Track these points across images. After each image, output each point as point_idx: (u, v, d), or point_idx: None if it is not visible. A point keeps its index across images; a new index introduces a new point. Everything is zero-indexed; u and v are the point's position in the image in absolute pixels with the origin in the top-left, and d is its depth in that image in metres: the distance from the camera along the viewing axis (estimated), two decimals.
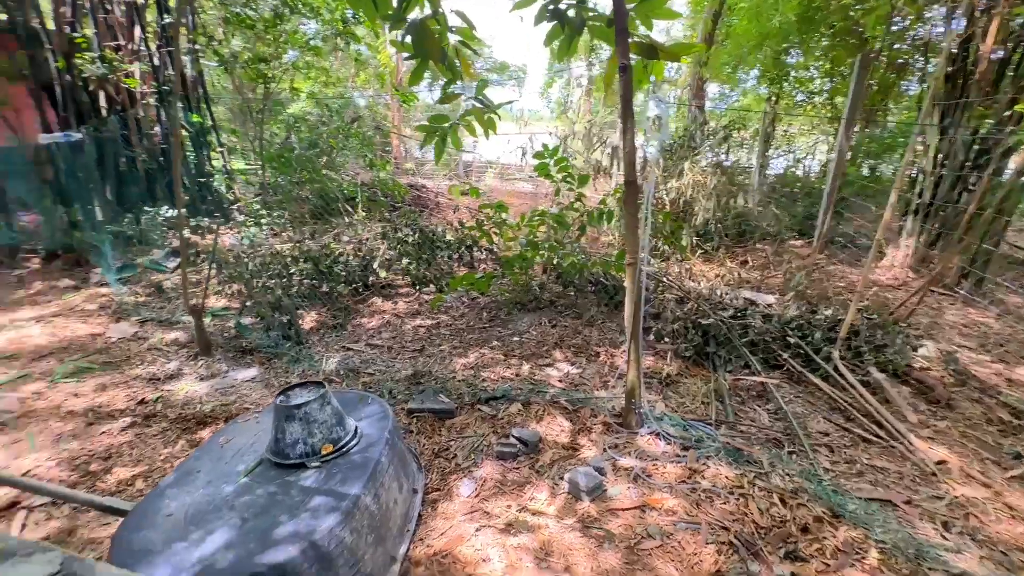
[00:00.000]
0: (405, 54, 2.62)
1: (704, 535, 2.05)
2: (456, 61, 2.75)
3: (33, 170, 6.16)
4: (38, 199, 6.23)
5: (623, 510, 2.20)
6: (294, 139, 9.68)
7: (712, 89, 14.29)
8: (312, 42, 8.84)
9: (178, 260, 5.56)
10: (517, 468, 2.49)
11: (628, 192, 2.47)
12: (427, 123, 2.92)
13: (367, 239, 6.22)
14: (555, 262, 4.69)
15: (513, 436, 2.66)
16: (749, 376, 3.39)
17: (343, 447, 2.06)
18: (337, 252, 5.52)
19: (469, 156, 17.81)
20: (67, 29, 6.73)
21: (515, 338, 4.11)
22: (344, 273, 5.16)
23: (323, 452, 2.01)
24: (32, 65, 6.50)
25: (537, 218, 4.55)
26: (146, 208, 7.01)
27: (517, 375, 3.47)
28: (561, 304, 4.76)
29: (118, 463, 2.57)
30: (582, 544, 2.01)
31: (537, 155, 4.33)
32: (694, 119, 8.80)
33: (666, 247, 5.86)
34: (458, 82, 2.86)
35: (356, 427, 2.20)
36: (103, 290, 5.31)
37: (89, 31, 6.94)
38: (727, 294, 4.48)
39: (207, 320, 4.24)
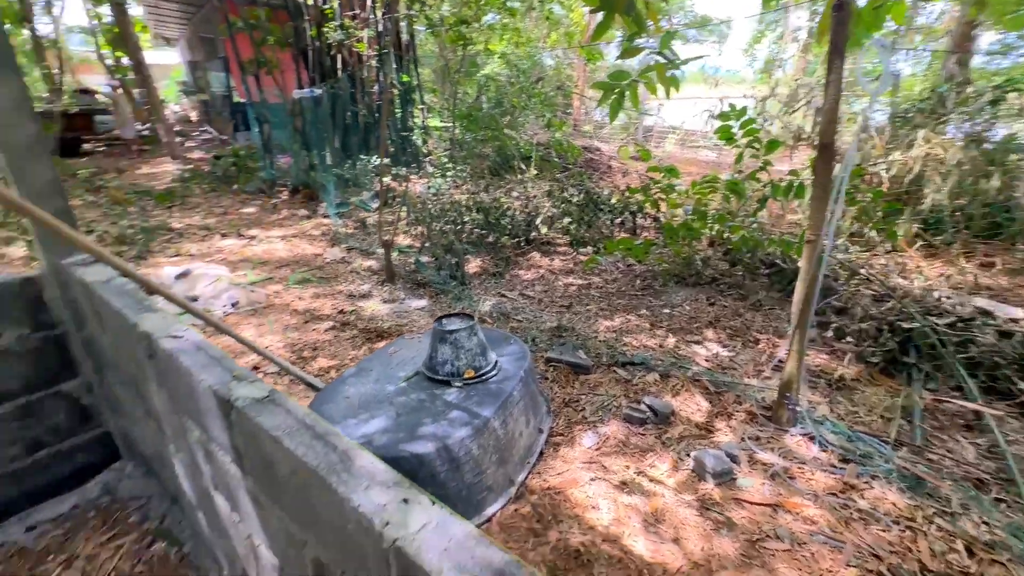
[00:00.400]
0: (592, 7, 2.58)
1: (847, 555, 1.80)
2: (644, 14, 2.61)
3: (290, 121, 7.76)
4: (291, 144, 7.86)
5: (751, 503, 2.04)
6: (483, 98, 10.34)
7: (986, 39, 10.87)
8: (508, 3, 9.18)
9: (379, 202, 6.54)
10: (643, 434, 2.47)
11: (821, 156, 2.13)
12: (605, 80, 2.86)
13: (534, 196, 6.46)
14: (724, 236, 4.29)
15: (645, 403, 2.63)
16: (959, 400, 2.73)
17: (483, 375, 2.29)
18: (506, 206, 5.87)
19: (651, 120, 16.90)
20: (319, 2, 8.14)
21: (666, 310, 3.95)
22: (510, 226, 5.49)
23: (465, 376, 2.27)
24: (295, 34, 8.07)
25: (707, 185, 4.17)
26: (361, 156, 8.32)
27: (660, 346, 3.36)
28: (725, 283, 4.38)
29: (321, 354, 3.25)
30: (697, 522, 1.94)
31: (721, 116, 3.93)
32: (949, 77, 6.92)
33: (873, 233, 4.87)
34: (644, 37, 2.72)
35: (497, 361, 2.42)
36: (325, 221, 6.56)
37: (335, 3, 8.29)
38: (949, 299, 3.60)
39: (395, 254, 4.95)
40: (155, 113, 10.96)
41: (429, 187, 7.52)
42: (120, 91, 11.81)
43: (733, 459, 2.24)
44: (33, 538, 1.81)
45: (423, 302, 4.15)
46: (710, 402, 2.73)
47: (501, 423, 2.08)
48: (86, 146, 11.83)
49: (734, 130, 3.98)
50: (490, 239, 5.42)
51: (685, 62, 2.77)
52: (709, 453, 2.22)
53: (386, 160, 5.98)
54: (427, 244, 5.19)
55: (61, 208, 1.70)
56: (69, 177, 8.21)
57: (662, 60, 2.74)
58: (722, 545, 1.85)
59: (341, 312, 3.88)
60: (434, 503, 0.73)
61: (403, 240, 5.79)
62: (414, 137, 9.51)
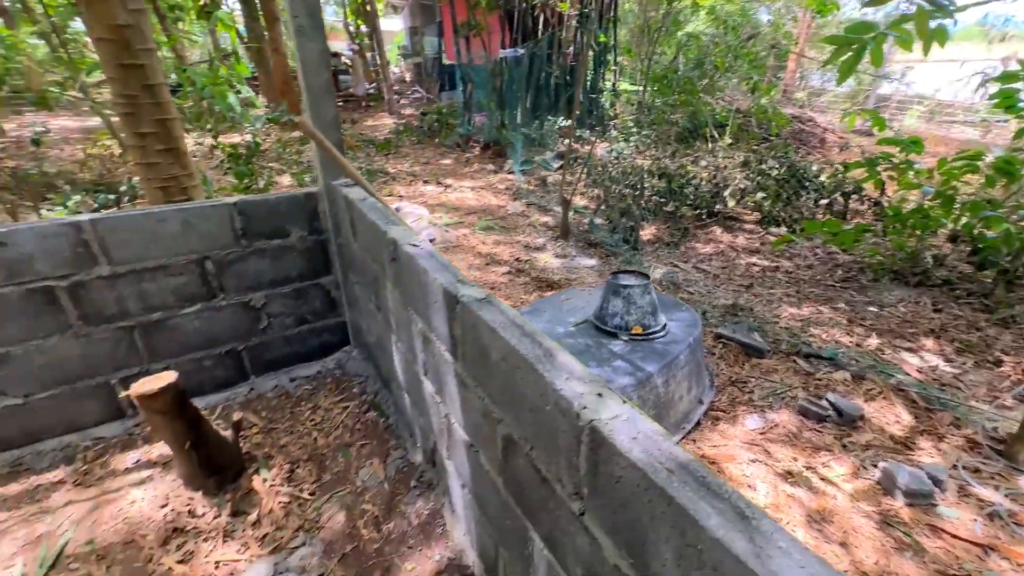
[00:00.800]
0: None
1: None
2: None
3: (490, 81, 8.32)
4: (487, 103, 8.45)
5: (953, 536, 1.75)
6: (680, 60, 9.67)
7: None
8: None
9: (561, 162, 6.72)
10: (819, 431, 2.25)
11: None
12: (840, 34, 2.47)
13: (725, 167, 5.96)
14: (975, 230, 3.45)
15: (828, 400, 2.37)
16: None
17: (650, 334, 2.31)
18: (691, 175, 5.55)
19: (889, 88, 13.94)
20: None
21: (872, 308, 3.40)
22: (692, 196, 5.20)
23: (633, 331, 2.32)
24: None
25: (966, 163, 3.34)
26: (549, 117, 8.56)
27: (858, 346, 2.94)
28: (963, 288, 3.56)
29: (497, 294, 3.60)
30: (873, 535, 1.74)
31: (1004, 77, 3.08)
32: None
33: None
34: None
35: (665, 324, 2.41)
36: (510, 176, 7.01)
37: None
38: None
39: (571, 213, 5.11)
40: (382, 74, 12.70)
41: (611, 150, 7.45)
42: (357, 54, 13.94)
43: (936, 483, 1.92)
44: (294, 387, 2.45)
45: (593, 261, 4.25)
46: (915, 417, 2.34)
47: (663, 382, 2.10)
48: None
49: (1019, 96, 3.10)
50: (669, 208, 5.22)
51: (961, 9, 2.24)
52: (905, 469, 1.94)
53: (573, 122, 6.09)
54: (603, 206, 5.23)
55: (336, 140, 2.17)
56: None
57: (927, 6, 2.26)
58: (902, 566, 1.64)
59: (517, 260, 4.20)
60: (625, 402, 0.83)
61: (580, 201, 5.91)
62: (602, 99, 9.41)
